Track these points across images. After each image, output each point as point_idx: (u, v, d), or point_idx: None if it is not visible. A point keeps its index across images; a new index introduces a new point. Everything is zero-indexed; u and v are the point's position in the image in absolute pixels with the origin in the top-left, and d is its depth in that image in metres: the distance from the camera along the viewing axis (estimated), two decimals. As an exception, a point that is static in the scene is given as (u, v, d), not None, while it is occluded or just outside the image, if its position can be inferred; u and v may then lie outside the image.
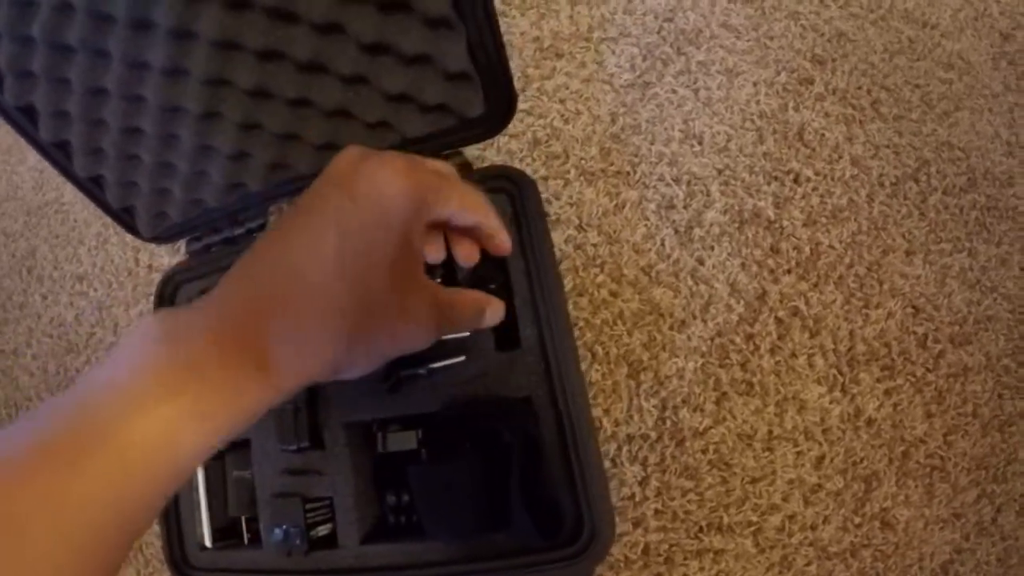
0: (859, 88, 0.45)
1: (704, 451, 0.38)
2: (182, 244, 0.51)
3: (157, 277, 0.51)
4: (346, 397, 0.34)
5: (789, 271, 0.41)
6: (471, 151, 0.41)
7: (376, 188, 0.22)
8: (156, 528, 0.47)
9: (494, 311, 0.27)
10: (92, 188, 0.40)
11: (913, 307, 0.41)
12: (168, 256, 0.51)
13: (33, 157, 0.66)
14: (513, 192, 0.34)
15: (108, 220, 0.56)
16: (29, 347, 0.57)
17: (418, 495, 0.30)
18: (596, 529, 0.29)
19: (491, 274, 0.33)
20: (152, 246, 0.52)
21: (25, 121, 0.38)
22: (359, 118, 0.33)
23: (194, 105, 0.33)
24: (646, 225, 0.41)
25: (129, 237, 0.54)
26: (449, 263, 0.29)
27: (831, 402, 0.40)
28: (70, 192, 0.60)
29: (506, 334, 0.32)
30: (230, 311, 0.21)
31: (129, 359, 0.19)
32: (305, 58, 0.31)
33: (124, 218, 0.41)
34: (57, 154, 0.39)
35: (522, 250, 0.33)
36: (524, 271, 0.33)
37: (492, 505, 0.29)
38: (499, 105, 0.33)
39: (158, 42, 0.32)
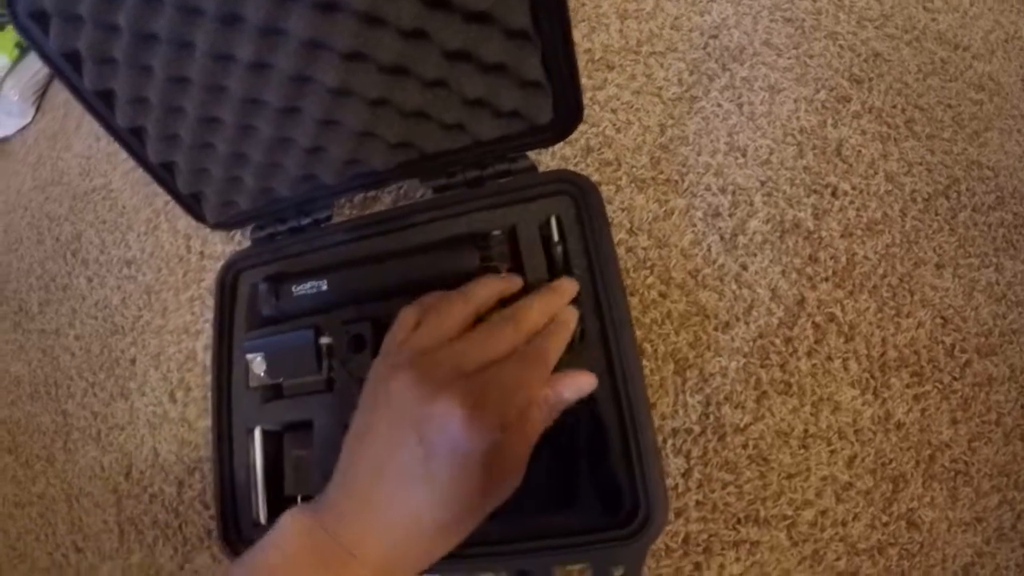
0: (894, 107, 0.47)
1: (744, 446, 0.40)
2: (237, 233, 0.52)
3: (209, 264, 0.53)
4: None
5: (826, 279, 0.43)
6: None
7: (450, 444, 0.26)
8: (197, 506, 0.49)
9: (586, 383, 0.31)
10: (162, 173, 0.41)
11: (942, 318, 0.43)
12: (222, 244, 0.52)
13: (80, 144, 0.67)
14: (576, 195, 0.36)
15: (158, 207, 0.58)
16: (72, 328, 0.58)
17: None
18: (652, 511, 0.31)
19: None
20: (205, 233, 0.53)
21: (102, 105, 0.39)
22: (436, 119, 0.35)
23: (276, 99, 0.35)
24: (693, 231, 0.43)
25: (181, 224, 0.56)
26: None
27: (863, 404, 0.42)
28: (119, 179, 0.62)
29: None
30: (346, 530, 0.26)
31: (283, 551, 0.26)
32: (390, 61, 0.32)
33: (191, 204, 0.43)
34: (131, 139, 0.40)
35: (585, 249, 0.35)
36: (587, 268, 0.35)
37: (557, 484, 0.31)
38: (567, 113, 0.35)
39: (246, 37, 0.33)
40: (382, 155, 0.36)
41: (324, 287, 0.38)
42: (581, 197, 0.36)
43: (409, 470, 0.26)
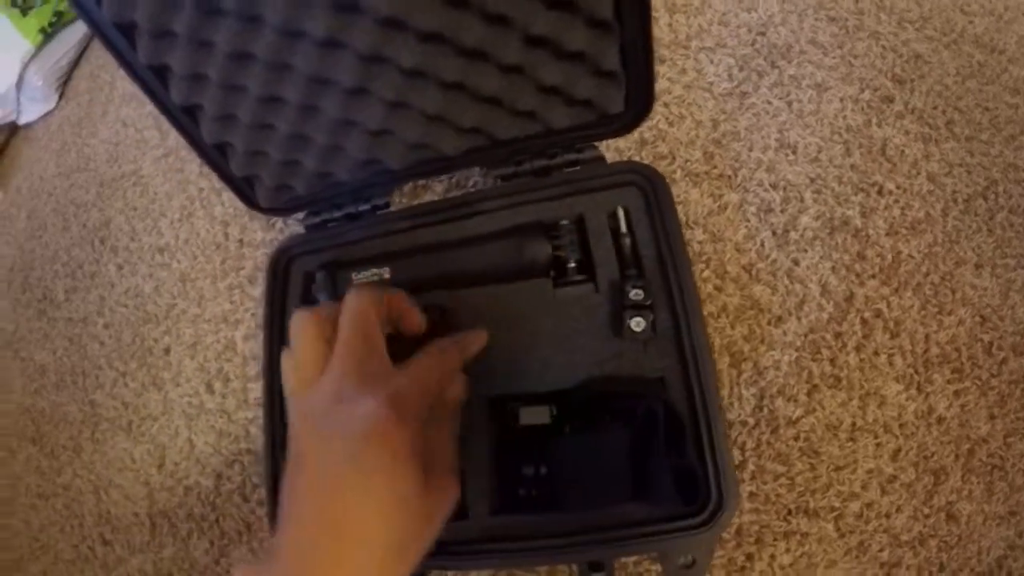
0: (935, 108, 0.48)
1: (796, 438, 0.41)
2: (279, 221, 0.52)
3: (248, 252, 0.52)
4: (481, 372, 0.35)
5: (873, 276, 0.44)
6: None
7: (374, 426, 0.25)
8: (236, 499, 0.48)
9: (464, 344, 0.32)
10: (215, 155, 0.40)
11: (981, 316, 0.45)
12: (262, 232, 0.52)
13: (106, 130, 0.66)
14: (644, 185, 0.36)
15: (192, 193, 0.57)
16: (101, 316, 0.57)
17: (563, 465, 0.32)
18: (724, 500, 0.32)
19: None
20: (243, 220, 0.53)
21: (155, 81, 0.37)
22: (508, 106, 0.34)
23: (346, 79, 0.33)
24: (747, 226, 0.43)
25: (218, 211, 0.55)
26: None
27: (907, 399, 0.43)
28: (149, 165, 0.60)
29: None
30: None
31: None
32: (470, 44, 0.32)
33: (243, 188, 0.42)
34: (183, 118, 0.38)
35: (655, 239, 0.35)
36: (657, 259, 0.35)
37: (634, 475, 0.31)
38: (638, 105, 0.35)
39: (319, 13, 0.31)
40: (452, 140, 0.36)
41: (387, 275, 0.37)
42: (650, 188, 0.36)
43: (341, 477, 0.25)
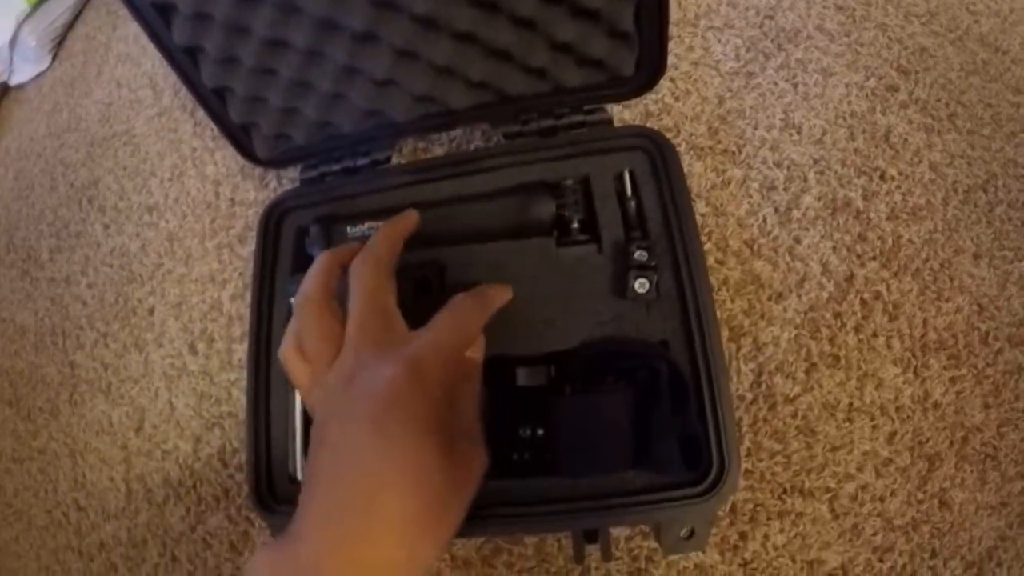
0: (938, 100, 0.48)
1: (793, 416, 0.40)
2: (272, 180, 0.50)
3: (240, 211, 0.51)
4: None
5: (874, 258, 0.44)
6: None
7: (395, 390, 0.24)
8: (215, 464, 0.47)
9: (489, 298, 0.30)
10: (213, 101, 0.39)
11: (978, 305, 0.45)
12: (255, 191, 0.50)
13: (100, 91, 0.64)
14: (652, 150, 0.36)
15: (185, 153, 0.56)
16: (84, 276, 0.55)
17: (561, 427, 0.31)
18: (727, 468, 0.31)
19: None
20: (236, 180, 0.51)
21: (156, 19, 0.36)
22: (519, 62, 0.34)
23: (356, 23, 0.33)
24: (749, 202, 0.43)
25: (209, 170, 0.54)
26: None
27: (904, 383, 0.42)
28: (142, 125, 0.59)
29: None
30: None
31: None
32: (484, -7, 0.32)
33: (239, 137, 0.40)
34: (184, 60, 0.37)
35: (661, 202, 0.35)
36: (663, 223, 0.35)
37: (635, 438, 0.30)
38: (649, 69, 0.35)
39: None
40: (460, 94, 0.35)
41: (384, 229, 0.36)
42: (657, 152, 0.35)
43: (363, 451, 0.23)
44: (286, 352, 0.29)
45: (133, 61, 0.64)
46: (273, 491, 0.37)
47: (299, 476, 0.37)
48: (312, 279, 0.29)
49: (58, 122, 0.65)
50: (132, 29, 0.67)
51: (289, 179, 0.49)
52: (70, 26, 0.73)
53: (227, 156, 0.53)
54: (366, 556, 0.22)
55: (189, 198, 0.53)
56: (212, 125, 0.51)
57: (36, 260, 0.59)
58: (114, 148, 0.59)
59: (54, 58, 0.72)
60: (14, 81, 0.72)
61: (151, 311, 0.51)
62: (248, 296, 0.47)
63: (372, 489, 0.23)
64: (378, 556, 0.22)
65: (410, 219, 0.33)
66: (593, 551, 0.34)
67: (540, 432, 0.32)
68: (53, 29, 0.71)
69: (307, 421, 0.37)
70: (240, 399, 0.46)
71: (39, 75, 0.72)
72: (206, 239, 0.51)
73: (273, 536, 0.37)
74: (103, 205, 0.57)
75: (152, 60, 0.62)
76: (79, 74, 0.67)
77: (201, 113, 0.56)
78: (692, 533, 0.32)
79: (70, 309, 0.55)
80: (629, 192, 0.36)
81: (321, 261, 0.30)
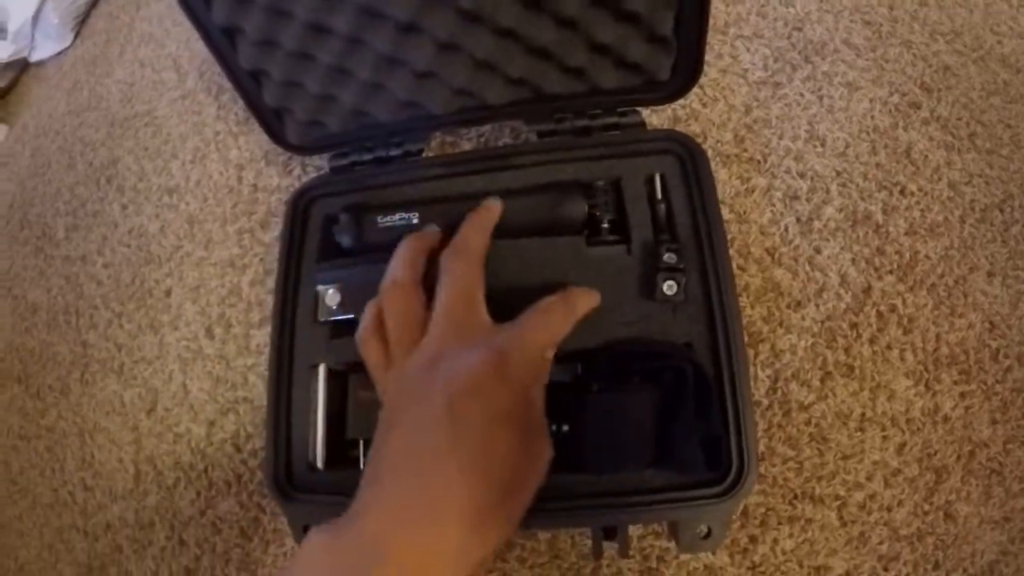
0: (959, 119, 0.49)
1: (807, 423, 0.41)
2: (297, 167, 0.51)
3: (262, 197, 0.51)
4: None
5: (891, 272, 0.44)
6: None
7: (473, 382, 0.24)
8: (228, 449, 0.47)
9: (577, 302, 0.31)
10: (248, 83, 0.39)
11: (990, 323, 0.45)
12: (278, 177, 0.50)
13: (122, 71, 0.64)
14: (683, 154, 0.36)
15: (208, 136, 0.55)
16: (101, 255, 0.55)
17: (587, 424, 0.31)
18: (746, 470, 0.31)
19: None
20: (259, 165, 0.51)
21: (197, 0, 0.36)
22: (558, 61, 0.34)
23: (400, 13, 0.33)
24: (772, 211, 0.44)
25: (233, 154, 0.54)
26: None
27: (915, 395, 0.43)
28: (164, 107, 0.59)
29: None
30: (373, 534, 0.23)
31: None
32: (529, -9, 0.32)
33: (271, 122, 0.40)
34: (221, 39, 0.37)
35: (691, 207, 0.35)
36: (691, 228, 0.35)
37: (658, 437, 0.30)
38: (684, 75, 0.35)
39: None
40: (498, 90, 0.35)
41: (415, 220, 0.37)
42: (689, 158, 0.36)
43: (436, 435, 0.23)
44: (365, 333, 0.29)
45: (157, 42, 0.64)
46: (291, 478, 0.37)
47: (320, 464, 0.37)
48: (400, 263, 0.29)
49: (78, 100, 0.65)
50: (156, 10, 0.66)
51: (315, 167, 0.49)
52: (93, 4, 0.73)
53: (251, 141, 0.53)
54: (430, 539, 0.22)
55: (211, 181, 0.53)
56: (236, 109, 0.51)
57: (51, 238, 0.58)
58: (135, 128, 0.59)
59: (76, 36, 0.72)
60: (35, 58, 0.72)
61: (168, 293, 0.51)
62: (269, 283, 0.47)
63: (443, 474, 0.23)
64: (442, 540, 0.22)
65: (494, 210, 0.33)
66: (608, 548, 0.35)
67: (565, 428, 0.32)
68: (76, 7, 0.70)
69: (330, 409, 0.38)
70: (257, 385, 0.46)
71: (60, 52, 0.71)
72: (227, 223, 0.51)
73: (291, 525, 0.37)
74: (122, 185, 0.57)
75: (176, 42, 0.62)
76: (101, 53, 0.67)
77: (225, 97, 0.56)
78: (709, 533, 0.32)
79: (84, 288, 0.55)
80: (660, 195, 0.36)
81: (408, 245, 0.30)
